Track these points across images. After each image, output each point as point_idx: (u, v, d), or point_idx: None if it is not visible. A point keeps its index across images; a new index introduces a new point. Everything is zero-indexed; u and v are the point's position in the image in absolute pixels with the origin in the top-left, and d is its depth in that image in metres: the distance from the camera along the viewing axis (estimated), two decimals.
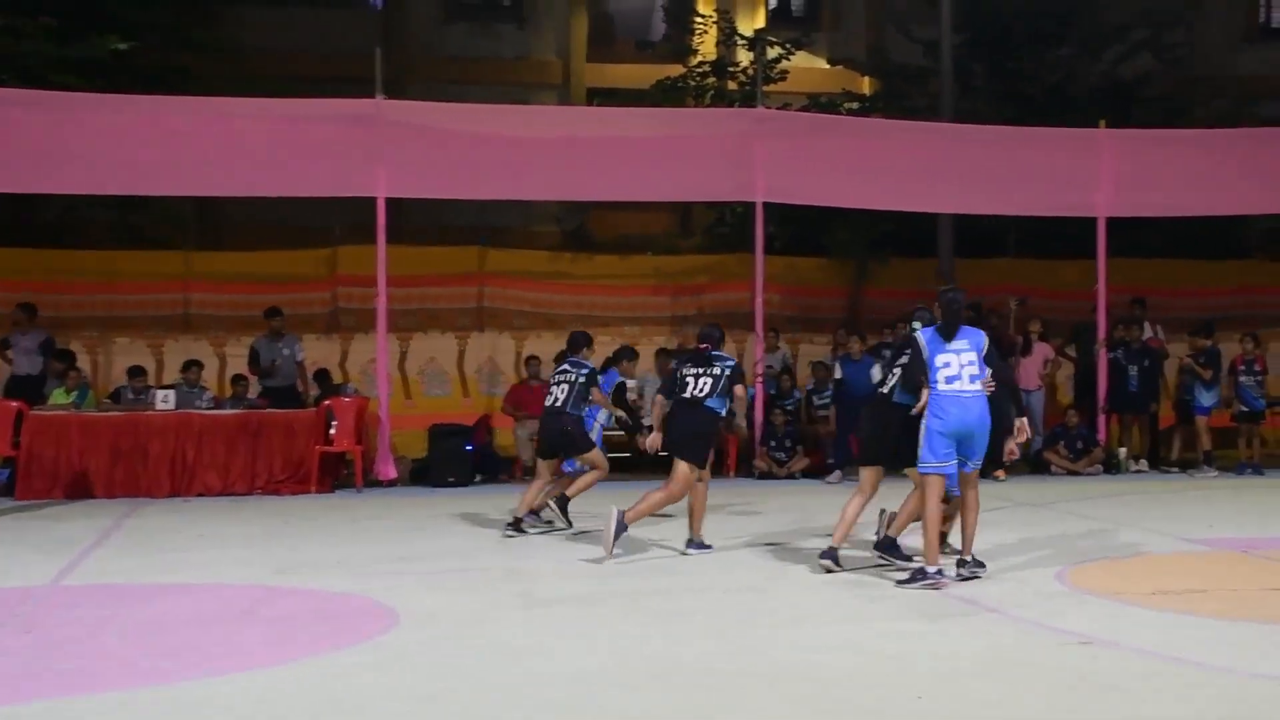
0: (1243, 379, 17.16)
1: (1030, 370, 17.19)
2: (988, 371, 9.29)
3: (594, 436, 12.13)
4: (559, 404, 11.74)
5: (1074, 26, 22.01)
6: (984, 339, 9.36)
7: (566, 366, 12.01)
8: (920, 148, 17.12)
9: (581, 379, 11.78)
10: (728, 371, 10.66)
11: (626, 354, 12.94)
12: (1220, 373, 17.14)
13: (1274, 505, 14.12)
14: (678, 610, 8.56)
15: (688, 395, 10.63)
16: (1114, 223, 17.30)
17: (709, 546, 10.86)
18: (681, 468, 10.53)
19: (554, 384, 11.94)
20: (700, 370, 10.68)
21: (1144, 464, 17.15)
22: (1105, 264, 17.12)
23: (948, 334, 9.27)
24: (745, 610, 8.61)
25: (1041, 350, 17.38)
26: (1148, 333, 17.65)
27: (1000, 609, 8.51)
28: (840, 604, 8.80)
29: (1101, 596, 8.99)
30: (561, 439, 11.80)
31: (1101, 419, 17.04)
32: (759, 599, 9.02)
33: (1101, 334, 17.19)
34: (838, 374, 16.19)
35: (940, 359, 9.24)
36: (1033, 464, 16.82)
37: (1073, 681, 6.76)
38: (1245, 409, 17.18)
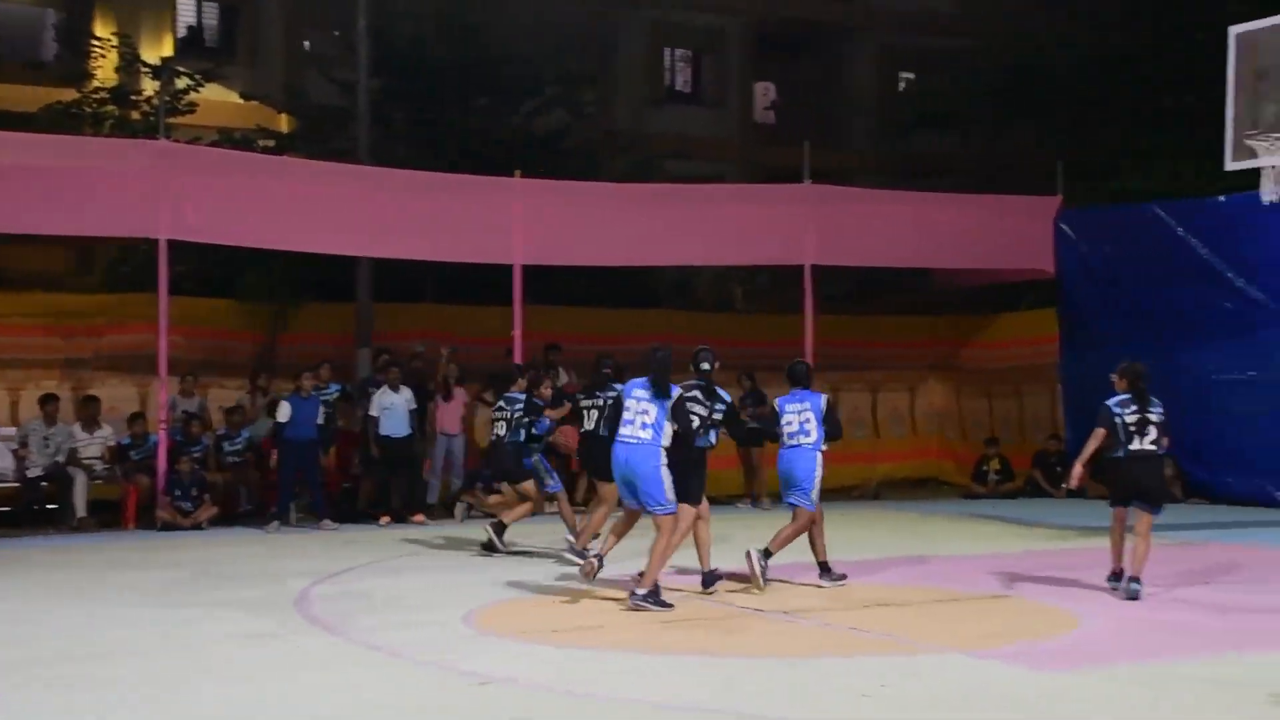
0: None
1: (452, 415, 17.16)
2: (667, 424, 9.88)
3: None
4: (500, 436, 13.06)
5: (491, 78, 22.37)
6: (674, 393, 9.99)
7: (502, 403, 13.21)
8: (339, 190, 16.74)
9: (518, 413, 12.96)
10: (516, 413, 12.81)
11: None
12: None
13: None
14: (58, 679, 7.74)
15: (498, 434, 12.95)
16: (530, 270, 17.58)
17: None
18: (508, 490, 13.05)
19: (494, 420, 13.21)
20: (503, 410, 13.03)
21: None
22: (522, 310, 17.35)
23: (657, 388, 9.92)
24: (135, 673, 7.90)
25: (461, 395, 17.39)
26: (563, 378, 18.03)
27: (406, 654, 8.35)
28: (238, 659, 8.33)
29: (505, 636, 9.01)
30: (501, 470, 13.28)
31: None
32: (146, 661, 8.30)
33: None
34: (283, 416, 15.27)
35: (626, 404, 10.00)
36: (451, 506, 16.76)
37: None
38: None
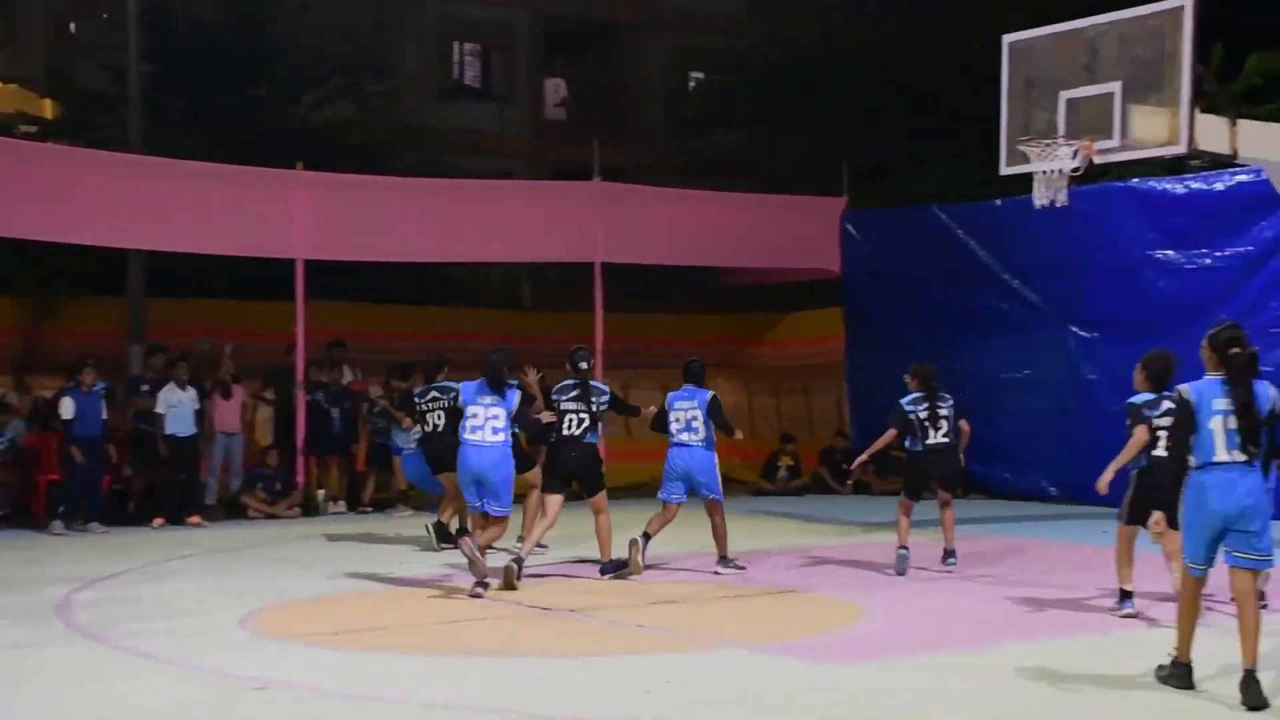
0: None
1: (231, 413, 16.60)
2: (511, 426, 10.32)
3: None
4: (438, 427, 12.58)
5: (272, 67, 21.72)
6: (515, 396, 10.34)
7: (436, 392, 12.69)
8: (107, 178, 15.93)
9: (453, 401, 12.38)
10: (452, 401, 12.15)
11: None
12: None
13: None
14: None
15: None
16: (314, 266, 17.07)
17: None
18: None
19: (428, 411, 12.70)
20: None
21: (342, 505, 17.04)
22: (304, 306, 16.84)
23: (494, 387, 10.25)
24: None
25: (240, 393, 16.82)
26: (348, 376, 17.61)
27: (178, 660, 8.08)
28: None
29: (285, 640, 8.79)
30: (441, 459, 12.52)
31: (301, 461, 16.73)
32: None
33: (300, 376, 16.90)
34: (68, 413, 14.48)
35: (470, 410, 10.26)
36: (229, 507, 16.20)
37: None
38: None
